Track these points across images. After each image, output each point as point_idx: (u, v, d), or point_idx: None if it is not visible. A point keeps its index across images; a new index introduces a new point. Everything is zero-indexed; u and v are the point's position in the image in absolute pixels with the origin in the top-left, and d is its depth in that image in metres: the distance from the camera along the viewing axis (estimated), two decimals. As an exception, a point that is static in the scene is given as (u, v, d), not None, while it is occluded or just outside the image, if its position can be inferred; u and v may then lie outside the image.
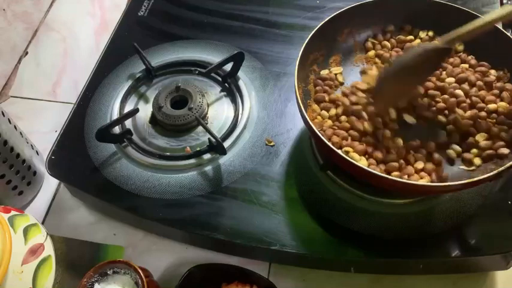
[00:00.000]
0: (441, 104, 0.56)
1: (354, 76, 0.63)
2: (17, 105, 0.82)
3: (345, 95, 0.59)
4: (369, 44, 0.64)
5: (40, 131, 0.78)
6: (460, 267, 0.58)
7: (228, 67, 0.69)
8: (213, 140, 0.61)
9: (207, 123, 0.66)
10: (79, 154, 0.65)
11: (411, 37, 0.64)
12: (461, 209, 0.56)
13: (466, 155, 0.53)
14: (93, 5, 0.96)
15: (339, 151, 0.50)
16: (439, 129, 0.56)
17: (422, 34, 0.64)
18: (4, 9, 0.86)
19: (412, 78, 0.56)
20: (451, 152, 0.54)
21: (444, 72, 0.59)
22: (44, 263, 0.56)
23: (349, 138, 0.55)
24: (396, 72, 0.55)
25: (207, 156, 0.62)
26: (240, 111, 0.67)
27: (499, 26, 0.58)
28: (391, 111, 0.56)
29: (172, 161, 0.63)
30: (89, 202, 0.69)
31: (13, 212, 0.57)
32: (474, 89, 0.57)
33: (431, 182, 0.52)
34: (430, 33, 0.63)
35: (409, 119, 0.56)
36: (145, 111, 0.68)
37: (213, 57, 0.72)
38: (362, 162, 0.53)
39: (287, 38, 0.74)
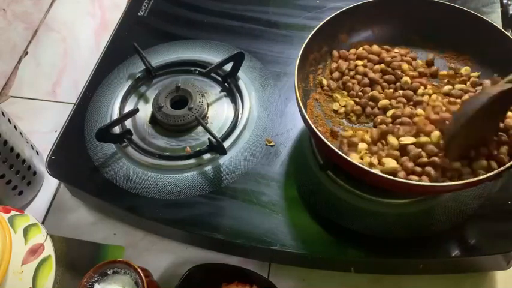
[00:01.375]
0: None
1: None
2: (17, 105, 0.82)
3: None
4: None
5: (40, 131, 0.78)
6: (460, 267, 0.58)
7: (228, 67, 0.69)
8: (213, 140, 0.61)
9: (207, 123, 0.66)
10: (79, 154, 0.65)
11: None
12: (461, 209, 0.56)
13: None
14: (93, 5, 0.96)
15: (339, 151, 0.50)
16: None
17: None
18: (4, 9, 0.86)
19: (482, 125, 0.51)
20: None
21: None
22: (44, 263, 0.56)
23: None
24: (463, 125, 0.49)
25: (207, 156, 0.62)
26: (240, 111, 0.67)
27: (499, 26, 0.58)
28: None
29: (172, 161, 0.63)
30: (89, 202, 0.69)
31: (13, 212, 0.57)
32: None
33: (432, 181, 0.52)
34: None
35: None
36: (145, 111, 0.68)
37: (213, 57, 0.72)
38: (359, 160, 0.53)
39: (287, 38, 0.74)
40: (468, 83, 0.60)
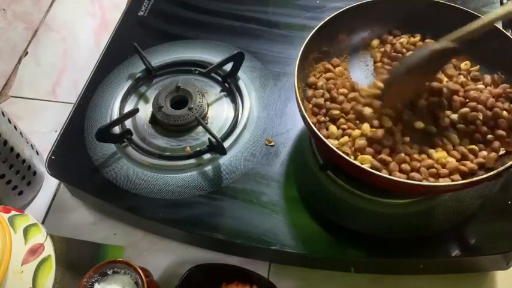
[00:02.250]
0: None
1: (354, 74, 0.63)
2: (17, 105, 0.82)
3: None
4: (374, 44, 0.65)
5: (40, 131, 0.78)
6: (460, 267, 0.58)
7: (228, 67, 0.69)
8: (213, 140, 0.61)
9: (207, 123, 0.66)
10: (79, 154, 0.65)
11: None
12: (461, 209, 0.56)
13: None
14: (93, 5, 0.96)
15: (339, 151, 0.50)
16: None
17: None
18: (4, 9, 0.86)
19: (420, 77, 0.56)
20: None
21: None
22: (44, 263, 0.56)
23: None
24: (404, 73, 0.54)
25: (207, 156, 0.62)
26: (240, 111, 0.67)
27: (499, 25, 0.58)
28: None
29: (172, 161, 0.63)
30: (89, 202, 0.69)
31: (13, 212, 0.57)
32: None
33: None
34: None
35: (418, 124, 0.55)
36: (145, 111, 0.68)
37: (213, 57, 0.72)
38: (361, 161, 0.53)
39: (287, 38, 0.74)
40: (469, 77, 0.60)
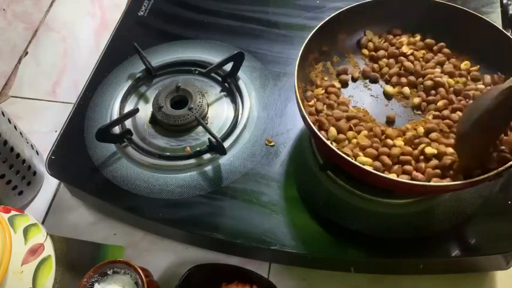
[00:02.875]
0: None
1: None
2: (17, 105, 0.82)
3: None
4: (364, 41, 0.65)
5: (40, 131, 0.78)
6: (460, 267, 0.58)
7: (228, 67, 0.69)
8: (213, 140, 0.61)
9: (207, 123, 0.66)
10: (79, 154, 0.65)
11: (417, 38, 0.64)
12: (461, 209, 0.56)
13: None
14: (93, 5, 0.96)
15: (339, 151, 0.50)
16: None
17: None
18: (4, 9, 0.86)
19: (495, 125, 0.48)
20: None
21: None
22: (44, 263, 0.56)
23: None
24: (476, 122, 0.46)
25: (207, 156, 0.62)
26: (240, 111, 0.67)
27: (499, 26, 0.58)
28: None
29: (172, 161, 0.63)
30: (89, 202, 0.69)
31: (13, 212, 0.57)
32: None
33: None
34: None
35: None
36: (145, 111, 0.68)
37: (213, 57, 0.72)
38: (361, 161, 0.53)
39: (287, 38, 0.74)
40: (469, 77, 0.60)
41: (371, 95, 0.62)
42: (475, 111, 0.46)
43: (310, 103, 0.59)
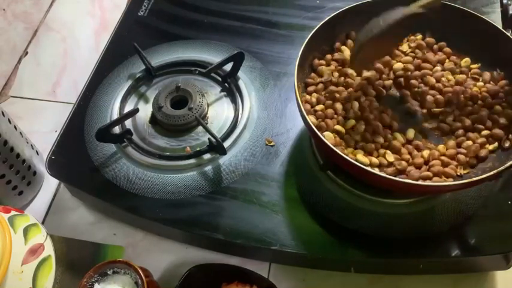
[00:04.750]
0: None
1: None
2: (17, 105, 0.82)
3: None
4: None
5: (40, 131, 0.78)
6: (460, 267, 0.58)
7: (228, 67, 0.69)
8: (213, 140, 0.61)
9: (207, 123, 0.66)
10: (79, 154, 0.65)
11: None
12: (461, 209, 0.56)
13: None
14: (93, 5, 0.96)
15: (339, 151, 0.50)
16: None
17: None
18: (4, 9, 0.86)
19: (388, 40, 0.58)
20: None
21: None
22: (44, 263, 0.56)
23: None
24: (375, 35, 0.55)
25: (207, 156, 0.62)
26: (240, 111, 0.67)
27: (499, 26, 0.58)
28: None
29: (172, 161, 0.63)
30: (89, 202, 0.69)
31: (13, 212, 0.57)
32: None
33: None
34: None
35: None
36: (145, 111, 0.68)
37: (213, 57, 0.72)
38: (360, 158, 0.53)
39: (287, 38, 0.74)
40: (469, 74, 0.60)
41: None
42: (377, 25, 0.55)
43: (308, 97, 0.59)
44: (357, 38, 0.58)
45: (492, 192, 0.57)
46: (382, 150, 0.55)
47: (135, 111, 0.66)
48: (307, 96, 0.59)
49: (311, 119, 0.55)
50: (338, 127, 0.56)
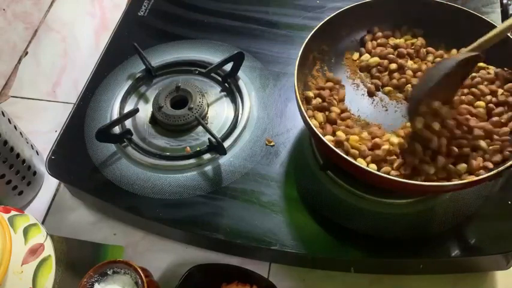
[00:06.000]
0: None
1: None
2: (17, 105, 0.82)
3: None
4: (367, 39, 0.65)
5: (40, 131, 0.78)
6: (460, 267, 0.58)
7: (228, 67, 0.69)
8: (213, 140, 0.61)
9: (207, 123, 0.66)
10: (79, 154, 0.65)
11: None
12: (461, 209, 0.56)
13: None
14: (93, 5, 0.96)
15: (339, 151, 0.50)
16: None
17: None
18: (4, 9, 0.86)
19: (447, 90, 0.54)
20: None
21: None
22: (44, 263, 0.56)
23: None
24: (431, 88, 0.52)
25: (207, 156, 0.62)
26: (240, 111, 0.67)
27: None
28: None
29: (172, 161, 0.63)
30: (89, 202, 0.69)
31: (13, 212, 0.57)
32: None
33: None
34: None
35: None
36: (145, 111, 0.68)
37: (213, 57, 0.72)
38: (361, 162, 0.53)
39: (287, 38, 0.74)
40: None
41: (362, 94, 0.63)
42: (430, 78, 0.52)
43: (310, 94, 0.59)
44: (412, 94, 0.55)
45: (492, 192, 0.57)
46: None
47: (135, 111, 0.66)
48: (310, 93, 0.59)
49: (312, 121, 0.55)
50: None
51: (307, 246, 0.56)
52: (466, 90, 0.58)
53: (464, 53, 0.53)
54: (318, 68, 0.63)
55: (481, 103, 0.56)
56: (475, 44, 0.53)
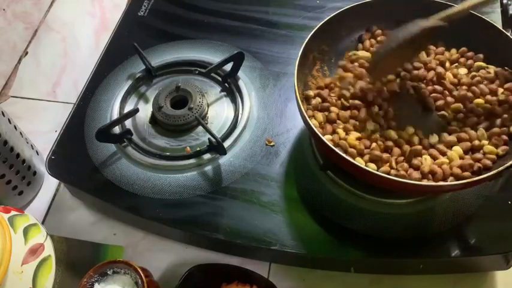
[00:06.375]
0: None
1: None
2: (17, 105, 0.82)
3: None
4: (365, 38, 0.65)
5: (40, 131, 0.77)
6: (460, 267, 0.58)
7: (228, 67, 0.69)
8: (213, 140, 0.61)
9: (207, 123, 0.66)
10: (79, 154, 0.65)
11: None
12: (461, 209, 0.56)
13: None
14: (93, 5, 0.96)
15: (339, 151, 0.50)
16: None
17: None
18: (4, 9, 0.86)
19: (407, 53, 0.59)
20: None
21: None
22: (44, 263, 0.56)
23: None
24: (394, 47, 0.56)
25: (207, 156, 0.62)
26: (240, 111, 0.67)
27: (499, 26, 0.58)
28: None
29: (172, 161, 0.63)
30: (89, 202, 0.69)
31: (13, 212, 0.57)
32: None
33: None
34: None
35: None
36: (145, 111, 0.68)
37: (213, 57, 0.72)
38: (360, 161, 0.53)
39: (287, 38, 0.74)
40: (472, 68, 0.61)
41: None
42: (394, 39, 0.56)
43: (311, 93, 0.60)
44: (376, 50, 0.58)
45: (492, 192, 0.57)
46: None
47: (135, 111, 0.66)
48: (310, 92, 0.59)
49: (312, 121, 0.55)
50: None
51: (307, 246, 0.56)
52: (465, 88, 0.58)
53: (432, 20, 0.55)
54: (318, 68, 0.63)
55: (480, 100, 0.56)
56: (442, 14, 0.55)
